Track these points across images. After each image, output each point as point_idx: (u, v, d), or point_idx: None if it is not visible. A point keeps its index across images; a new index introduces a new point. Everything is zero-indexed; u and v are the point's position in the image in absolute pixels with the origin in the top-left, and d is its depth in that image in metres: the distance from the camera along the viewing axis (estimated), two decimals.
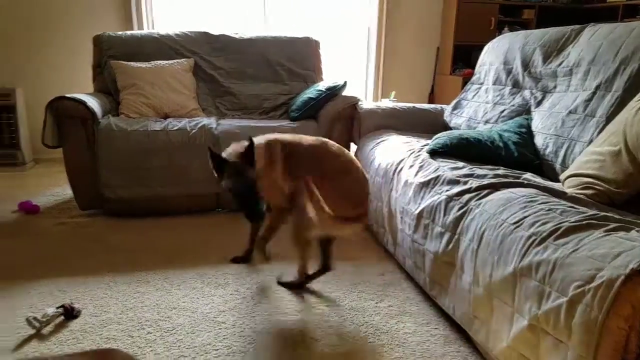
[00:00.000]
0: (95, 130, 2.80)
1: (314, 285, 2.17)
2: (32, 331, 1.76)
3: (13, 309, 1.92)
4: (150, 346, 1.70)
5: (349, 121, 3.07)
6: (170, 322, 1.85)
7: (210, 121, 3.01)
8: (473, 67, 4.31)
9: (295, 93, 3.52)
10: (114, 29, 4.09)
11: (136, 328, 1.81)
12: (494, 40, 2.90)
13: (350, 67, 4.74)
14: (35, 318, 1.77)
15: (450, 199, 1.81)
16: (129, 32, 3.54)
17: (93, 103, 2.86)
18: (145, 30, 3.89)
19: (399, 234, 2.19)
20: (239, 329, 1.83)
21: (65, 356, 0.81)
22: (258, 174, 1.94)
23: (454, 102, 2.97)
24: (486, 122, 2.59)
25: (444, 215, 1.80)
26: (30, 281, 2.15)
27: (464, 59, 4.45)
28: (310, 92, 3.25)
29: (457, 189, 1.83)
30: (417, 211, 1.97)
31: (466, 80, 4.17)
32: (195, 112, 3.32)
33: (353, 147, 3.15)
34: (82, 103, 2.76)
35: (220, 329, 1.83)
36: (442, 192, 1.88)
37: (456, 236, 1.72)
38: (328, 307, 2.00)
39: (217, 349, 1.70)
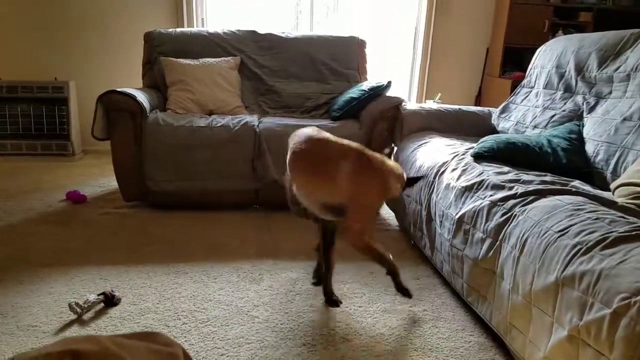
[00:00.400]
0: (143, 124, 2.89)
1: (347, 285, 2.16)
2: (73, 316, 1.83)
3: (56, 294, 2.01)
4: (185, 337, 1.74)
5: (392, 122, 3.03)
6: (205, 314, 1.88)
7: (252, 119, 3.05)
8: (523, 70, 4.18)
9: (338, 92, 3.51)
10: (164, 26, 4.22)
11: (172, 318, 1.85)
12: (548, 43, 2.80)
13: (395, 67, 4.69)
14: (77, 303, 1.84)
15: (493, 204, 1.75)
16: (179, 30, 3.63)
17: (142, 98, 2.96)
18: (194, 28, 3.99)
19: (437, 238, 2.14)
20: (272, 323, 1.84)
21: (116, 337, 0.84)
22: None
23: (502, 105, 2.87)
24: (535, 126, 2.49)
25: (486, 221, 1.74)
26: (75, 267, 2.23)
27: (514, 61, 4.31)
28: (353, 92, 3.23)
29: (501, 194, 1.77)
30: (458, 216, 1.91)
31: (515, 83, 4.05)
32: (239, 109, 3.37)
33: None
34: (132, 97, 2.85)
35: (253, 323, 1.84)
36: (485, 197, 1.82)
37: (498, 243, 1.66)
38: (361, 307, 1.98)
39: (250, 343, 1.71)
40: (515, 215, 1.62)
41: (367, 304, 2.01)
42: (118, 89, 2.88)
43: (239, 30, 3.66)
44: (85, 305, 1.85)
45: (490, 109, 3.03)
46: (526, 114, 2.63)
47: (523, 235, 1.52)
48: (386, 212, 3.14)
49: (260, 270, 2.28)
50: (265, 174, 2.92)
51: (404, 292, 1.98)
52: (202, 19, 4.38)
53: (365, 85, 3.22)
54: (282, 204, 2.65)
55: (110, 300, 1.92)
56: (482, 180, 1.91)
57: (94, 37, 4.35)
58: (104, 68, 4.39)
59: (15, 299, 1.94)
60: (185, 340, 1.72)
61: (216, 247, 2.51)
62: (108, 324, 1.80)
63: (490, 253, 1.69)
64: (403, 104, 3.01)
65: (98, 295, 1.91)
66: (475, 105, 4.56)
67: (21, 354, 0.71)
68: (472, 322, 1.91)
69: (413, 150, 2.60)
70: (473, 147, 2.30)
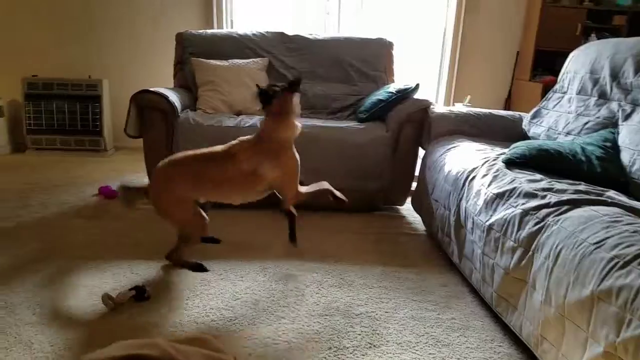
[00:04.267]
0: (175, 123, 2.94)
1: (373, 290, 2.16)
2: (105, 309, 1.88)
3: (90, 287, 2.06)
4: (213, 334, 1.76)
5: (419, 125, 3.01)
6: (232, 312, 1.91)
7: None
8: (554, 73, 4.10)
9: (365, 94, 3.51)
10: (195, 26, 4.28)
11: (201, 315, 1.88)
12: (581, 48, 2.74)
13: (422, 68, 4.65)
14: (109, 296, 1.89)
15: (525, 213, 1.73)
16: (209, 31, 3.69)
17: (174, 97, 3.01)
18: (225, 30, 4.05)
19: (466, 245, 2.12)
20: (298, 325, 1.85)
21: (171, 341, 0.87)
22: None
23: (533, 110, 2.82)
24: (567, 133, 2.45)
25: (518, 229, 1.72)
26: (107, 261, 2.29)
27: (545, 64, 4.23)
28: (380, 94, 3.22)
29: (534, 203, 1.74)
30: (488, 223, 1.89)
31: (546, 87, 3.98)
32: None
33: (421, 151, 3.09)
34: (165, 97, 2.91)
35: (279, 323, 1.86)
36: (517, 205, 1.79)
37: (530, 252, 1.64)
38: (387, 313, 1.97)
39: (277, 344, 1.73)
40: (549, 225, 1.60)
41: (393, 309, 2.01)
42: (151, 89, 2.94)
43: (267, 32, 3.69)
44: (118, 299, 1.90)
45: (521, 113, 2.98)
46: (558, 120, 2.58)
47: (557, 246, 1.50)
48: (412, 216, 3.13)
49: (286, 271, 2.30)
50: None
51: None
52: (231, 20, 4.43)
53: (393, 88, 3.21)
54: (306, 205, 2.67)
55: (141, 294, 1.95)
56: (514, 188, 1.89)
57: (127, 36, 4.44)
58: (136, 67, 4.49)
59: (51, 290, 2.01)
60: (214, 338, 1.74)
61: (242, 245, 2.54)
62: (141, 320, 1.84)
63: (522, 263, 1.66)
64: (431, 106, 2.99)
65: (130, 289, 1.96)
66: (504, 108, 4.49)
67: (85, 357, 0.73)
68: (502, 332, 1.88)
69: (441, 154, 2.57)
70: (504, 152, 2.27)
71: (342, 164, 2.99)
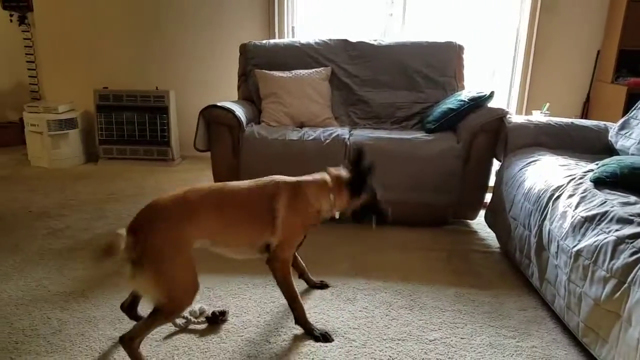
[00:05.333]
0: (240, 137, 2.97)
1: (447, 313, 2.06)
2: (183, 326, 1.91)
3: None
4: (287, 355, 1.75)
5: (493, 135, 2.85)
6: (302, 332, 1.88)
7: (343, 132, 3.04)
8: (639, 75, 3.79)
9: (432, 102, 3.39)
10: (257, 35, 4.32)
11: (273, 334, 1.88)
12: None
13: (492, 73, 4.43)
14: (181, 315, 1.89)
15: (620, 240, 1.58)
16: (272, 41, 3.70)
17: (240, 112, 3.04)
18: (287, 39, 4.04)
19: (549, 269, 1.97)
20: (369, 349, 1.80)
21: None
22: None
23: (621, 120, 2.59)
24: None
25: (611, 258, 1.57)
26: None
27: (630, 65, 3.90)
28: (451, 102, 3.08)
29: (629, 230, 1.58)
30: (576, 249, 1.75)
31: (631, 90, 3.68)
32: (329, 121, 3.37)
33: (496, 163, 2.93)
34: (231, 112, 2.94)
35: (351, 347, 1.81)
36: (610, 231, 1.64)
37: (625, 285, 1.49)
38: (463, 339, 1.88)
39: None
40: None
41: (469, 335, 1.91)
42: (218, 104, 2.99)
43: (330, 40, 3.65)
44: (191, 318, 1.93)
45: (607, 123, 2.74)
46: None
47: None
48: (485, 231, 2.98)
49: (353, 290, 2.24)
50: None
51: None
52: (293, 27, 4.43)
53: (465, 95, 3.06)
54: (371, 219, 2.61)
55: (214, 320, 1.96)
56: (606, 212, 1.73)
57: (193, 48, 4.56)
58: (202, 78, 4.59)
59: None
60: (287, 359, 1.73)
61: (307, 261, 2.50)
62: (214, 336, 1.86)
63: (617, 295, 1.52)
64: (507, 116, 2.82)
65: (205, 317, 1.96)
66: (583, 113, 4.19)
67: None
68: None
69: (521, 169, 2.42)
70: (591, 169, 2.10)
71: (409, 177, 2.89)
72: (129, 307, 1.84)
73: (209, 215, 1.70)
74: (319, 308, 2.07)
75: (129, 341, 1.60)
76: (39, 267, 2.40)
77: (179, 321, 1.91)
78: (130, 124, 4.41)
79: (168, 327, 1.90)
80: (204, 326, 1.92)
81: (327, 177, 1.91)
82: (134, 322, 1.87)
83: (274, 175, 1.88)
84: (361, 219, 1.99)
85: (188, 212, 1.66)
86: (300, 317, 1.88)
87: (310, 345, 1.81)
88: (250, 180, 1.86)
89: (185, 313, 1.92)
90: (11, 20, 4.80)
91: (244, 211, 1.78)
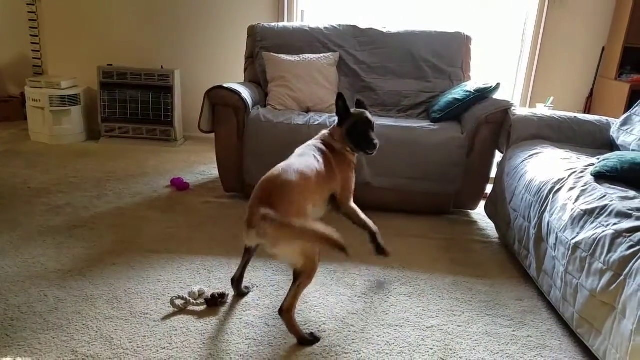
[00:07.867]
0: (246, 119, 2.97)
1: (444, 301, 2.10)
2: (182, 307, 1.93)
3: (165, 282, 2.12)
4: (284, 338, 1.78)
5: (497, 127, 2.86)
6: (302, 316, 1.92)
7: None
8: None
9: (439, 91, 3.39)
10: (266, 18, 4.28)
11: (271, 317, 1.91)
12: None
13: (498, 65, 4.41)
14: (180, 297, 1.93)
15: (618, 234, 1.60)
16: (281, 24, 3.67)
17: (246, 94, 3.03)
18: (296, 23, 4.01)
19: (546, 261, 2.01)
20: (368, 335, 1.83)
21: None
22: None
23: (623, 116, 2.61)
24: None
25: (609, 251, 1.60)
26: (180, 256, 2.36)
27: (634, 63, 3.90)
28: (457, 93, 3.09)
29: (627, 224, 1.61)
30: (574, 241, 1.78)
31: (634, 87, 3.69)
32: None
33: (498, 155, 2.95)
34: (237, 94, 2.93)
35: (349, 332, 1.85)
36: (608, 224, 1.67)
37: (621, 277, 1.52)
38: (460, 327, 1.92)
39: (347, 353, 1.72)
40: None
41: (466, 323, 1.94)
42: (225, 85, 2.97)
43: (340, 25, 3.63)
44: (189, 299, 1.94)
45: (609, 119, 2.76)
46: None
47: None
48: (484, 222, 3.01)
49: (352, 275, 2.28)
50: (359, 175, 2.90)
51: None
52: (302, 10, 4.39)
53: (471, 86, 3.06)
54: (373, 205, 2.63)
55: (214, 302, 1.97)
56: (605, 206, 1.76)
57: (199, 28, 4.51)
58: (208, 59, 4.55)
59: (128, 284, 2.08)
60: (285, 342, 1.76)
61: None
62: (212, 318, 1.89)
63: (612, 287, 1.56)
64: (512, 108, 2.83)
65: (204, 299, 1.97)
66: (585, 108, 4.20)
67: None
68: (581, 354, 1.79)
69: (523, 161, 2.44)
70: (592, 163, 2.12)
71: (412, 165, 2.91)
72: (238, 281, 2.07)
73: (313, 184, 1.95)
74: (319, 293, 2.10)
75: (288, 312, 1.75)
76: (37, 244, 2.39)
77: (178, 302, 1.92)
78: (133, 103, 4.37)
79: (166, 308, 1.92)
80: (202, 308, 1.94)
81: (325, 132, 2.27)
82: (133, 302, 1.90)
83: (307, 143, 2.19)
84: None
85: (305, 184, 1.89)
86: (374, 238, 2.24)
87: (309, 329, 1.84)
88: (299, 150, 2.14)
89: (184, 294, 1.95)
90: None
91: (320, 175, 2.01)
